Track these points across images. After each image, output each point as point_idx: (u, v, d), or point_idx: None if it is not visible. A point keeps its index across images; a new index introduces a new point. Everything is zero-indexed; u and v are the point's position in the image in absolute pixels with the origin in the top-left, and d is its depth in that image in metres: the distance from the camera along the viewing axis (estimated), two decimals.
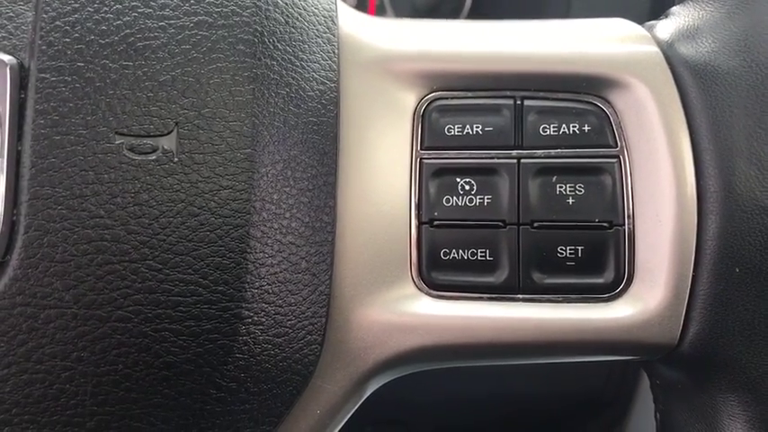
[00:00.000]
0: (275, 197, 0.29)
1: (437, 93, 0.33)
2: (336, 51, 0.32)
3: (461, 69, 0.33)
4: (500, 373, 0.83)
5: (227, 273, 0.28)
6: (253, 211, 0.29)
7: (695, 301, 0.31)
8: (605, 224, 0.32)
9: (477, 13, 0.93)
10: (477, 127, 0.33)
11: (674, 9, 0.36)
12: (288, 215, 0.29)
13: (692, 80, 0.32)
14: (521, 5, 0.89)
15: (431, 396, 0.84)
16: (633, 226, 0.32)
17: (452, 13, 0.92)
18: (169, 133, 0.28)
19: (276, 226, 0.29)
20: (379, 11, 0.93)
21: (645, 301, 0.31)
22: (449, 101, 0.33)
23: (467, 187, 0.32)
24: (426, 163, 0.32)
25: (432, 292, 0.32)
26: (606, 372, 0.86)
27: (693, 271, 0.31)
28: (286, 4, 0.31)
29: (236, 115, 0.29)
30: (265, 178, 0.29)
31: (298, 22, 0.31)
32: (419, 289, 0.32)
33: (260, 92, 0.29)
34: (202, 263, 0.28)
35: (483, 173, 0.32)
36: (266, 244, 0.29)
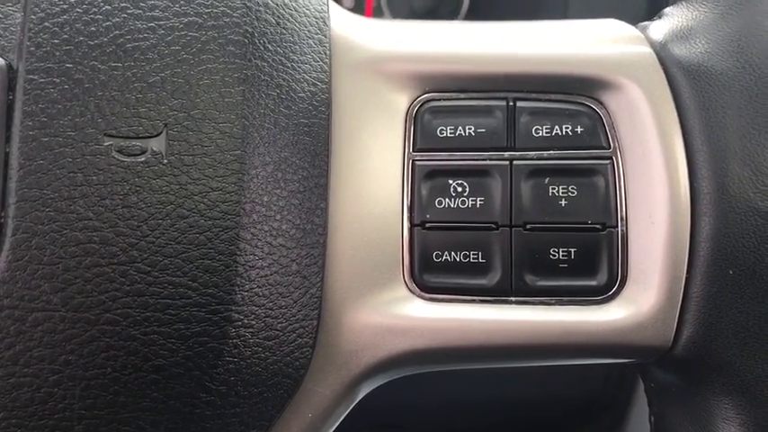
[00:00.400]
0: (265, 199, 0.29)
1: (429, 94, 0.33)
2: (328, 52, 0.32)
3: (453, 70, 0.33)
4: (498, 377, 0.82)
5: (216, 275, 0.28)
6: (242, 213, 0.28)
7: (689, 303, 0.31)
8: (598, 226, 0.32)
9: (475, 15, 0.93)
10: (469, 128, 0.33)
11: (668, 10, 0.35)
12: (278, 217, 0.29)
13: (685, 81, 0.32)
14: (518, 8, 0.89)
15: (428, 400, 0.84)
16: (626, 228, 0.32)
17: (450, 15, 0.92)
18: (158, 135, 0.28)
19: (266, 228, 0.29)
20: (377, 13, 0.92)
21: (638, 303, 0.31)
22: (441, 102, 0.33)
23: (459, 189, 0.32)
24: (418, 165, 0.32)
25: (424, 294, 0.32)
26: (604, 375, 0.85)
27: (687, 273, 0.31)
28: (277, 5, 0.31)
29: (226, 117, 0.29)
30: (255, 180, 0.29)
31: (289, 23, 0.31)
32: (411, 291, 0.32)
33: (250, 93, 0.29)
34: (192, 265, 0.28)
35: (475, 174, 0.32)
36: (256, 246, 0.29)
